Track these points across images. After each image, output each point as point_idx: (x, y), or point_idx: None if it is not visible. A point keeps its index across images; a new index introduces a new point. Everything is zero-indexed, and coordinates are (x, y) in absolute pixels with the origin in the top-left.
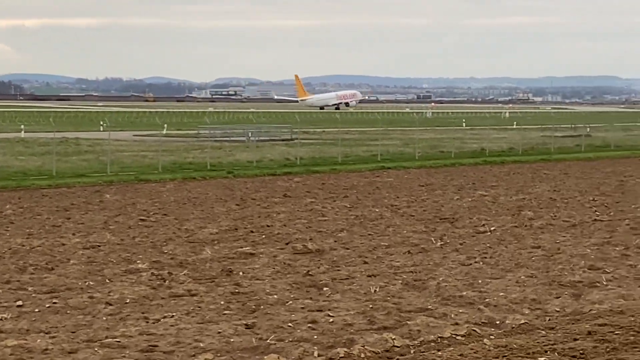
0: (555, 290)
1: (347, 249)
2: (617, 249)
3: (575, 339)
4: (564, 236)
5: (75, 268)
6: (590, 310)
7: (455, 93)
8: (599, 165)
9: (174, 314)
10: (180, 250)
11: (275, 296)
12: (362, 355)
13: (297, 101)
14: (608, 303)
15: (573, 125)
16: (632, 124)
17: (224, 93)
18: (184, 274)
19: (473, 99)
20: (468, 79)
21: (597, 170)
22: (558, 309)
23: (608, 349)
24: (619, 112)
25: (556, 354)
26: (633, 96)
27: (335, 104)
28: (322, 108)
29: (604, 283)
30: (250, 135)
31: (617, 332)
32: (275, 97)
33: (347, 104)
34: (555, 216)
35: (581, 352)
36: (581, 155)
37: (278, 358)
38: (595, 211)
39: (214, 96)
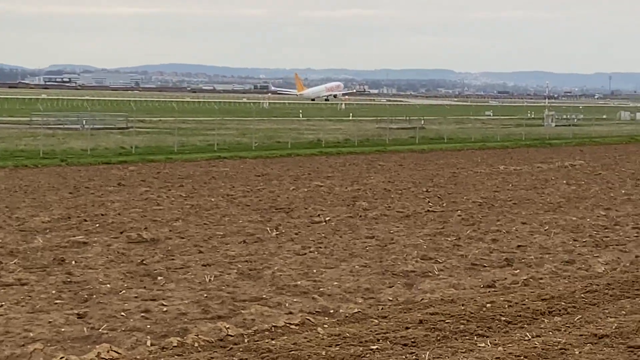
0: (388, 279)
1: (182, 238)
2: (449, 239)
3: (407, 328)
4: (398, 226)
5: None
6: (422, 299)
7: (292, 84)
8: (433, 157)
9: (2, 303)
10: (11, 239)
11: (108, 285)
12: (196, 344)
13: (295, 94)
14: (439, 292)
15: (408, 118)
16: (464, 117)
17: (58, 80)
18: (14, 263)
19: None
20: (306, 70)
21: (430, 162)
22: (391, 298)
23: (438, 337)
24: (452, 105)
25: (388, 342)
26: (466, 90)
27: (325, 96)
28: (313, 100)
29: (436, 273)
30: (84, 123)
31: (447, 321)
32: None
33: (335, 96)
34: (389, 207)
35: (412, 340)
36: (415, 147)
37: (110, 347)
38: (429, 202)
39: (47, 83)
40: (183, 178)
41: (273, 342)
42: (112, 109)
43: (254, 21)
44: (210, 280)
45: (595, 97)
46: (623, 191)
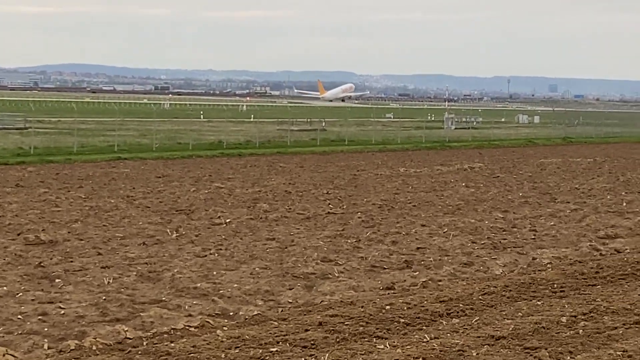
0: (288, 281)
1: (81, 240)
2: (349, 241)
3: (306, 330)
4: (298, 228)
5: None
6: (322, 301)
7: (193, 85)
8: (334, 159)
9: None
10: None
11: (4, 288)
12: (94, 348)
13: (318, 98)
14: (339, 294)
15: (309, 120)
16: (365, 119)
17: None
18: None
19: (211, 91)
20: (207, 71)
21: (331, 164)
22: (291, 300)
23: (338, 339)
24: (353, 107)
25: (288, 344)
26: (368, 92)
27: (341, 97)
28: (330, 101)
29: (336, 275)
30: None
31: (347, 323)
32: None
33: (349, 97)
34: (290, 209)
35: (312, 342)
36: (316, 149)
37: (6, 351)
38: (329, 204)
39: None
40: (82, 179)
41: (172, 344)
42: (10, 109)
43: (155, 21)
44: (109, 282)
45: (483, 99)
46: (520, 194)
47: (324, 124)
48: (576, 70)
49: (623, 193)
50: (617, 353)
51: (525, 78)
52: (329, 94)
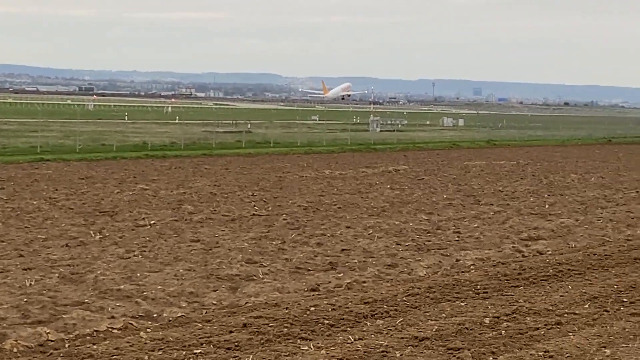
0: (212, 283)
1: (2, 241)
2: (274, 243)
3: (230, 332)
4: (223, 230)
5: None
6: (246, 303)
7: (118, 86)
8: (259, 161)
9: None
10: None
11: None
12: (15, 350)
13: (323, 97)
14: (264, 296)
15: (234, 122)
16: (291, 121)
17: None
18: None
19: (136, 93)
20: (132, 72)
21: (256, 166)
22: (215, 302)
23: (262, 341)
24: (279, 109)
25: (212, 346)
26: (292, 94)
27: (341, 95)
28: (334, 100)
29: (261, 276)
30: None
31: (271, 325)
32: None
33: (349, 95)
34: (215, 210)
35: (236, 344)
36: (242, 151)
37: None
38: (254, 206)
39: None
40: (4, 180)
41: (95, 347)
42: None
43: (80, 22)
44: (30, 284)
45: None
46: (445, 196)
47: (249, 126)
48: (500, 73)
49: (546, 195)
50: (539, 353)
51: (449, 81)
52: (331, 93)
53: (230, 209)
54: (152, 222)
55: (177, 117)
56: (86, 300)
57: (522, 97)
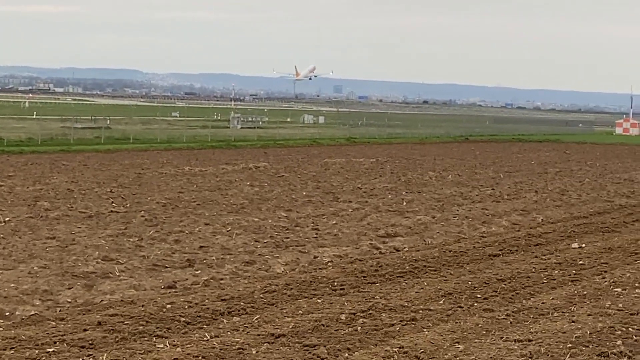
0: (68, 281)
1: None
2: (132, 240)
3: (85, 330)
4: (80, 227)
5: None
6: (102, 300)
7: None
8: (118, 158)
9: None
10: None
11: None
12: None
13: (294, 78)
14: (120, 293)
15: (93, 117)
16: (151, 117)
17: None
18: None
19: None
20: None
21: (115, 163)
22: (70, 300)
23: (117, 339)
24: (139, 105)
25: (65, 344)
26: (153, 90)
27: (308, 76)
28: (299, 79)
29: (117, 274)
30: None
31: (127, 322)
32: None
33: (315, 76)
34: (72, 207)
35: (90, 342)
36: (100, 147)
37: None
38: (112, 202)
39: None
40: None
41: None
42: None
43: None
44: None
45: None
46: (304, 193)
47: (108, 121)
48: (360, 72)
49: (404, 193)
50: (394, 349)
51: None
52: (302, 75)
53: (88, 205)
54: (7, 219)
55: (35, 113)
56: None
57: (382, 95)
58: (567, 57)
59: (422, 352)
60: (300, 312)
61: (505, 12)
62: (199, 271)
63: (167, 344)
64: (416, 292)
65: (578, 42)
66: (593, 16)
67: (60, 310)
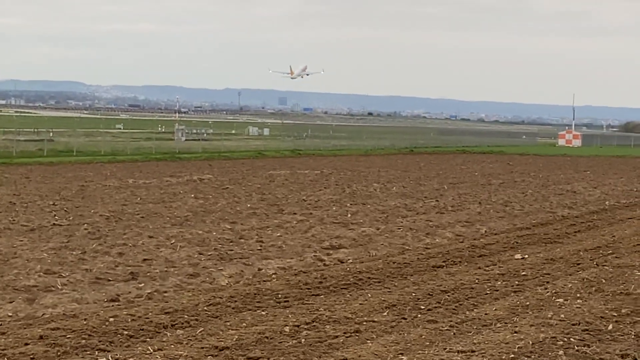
0: (9, 294)
1: None
2: (74, 253)
3: (26, 344)
4: (22, 240)
5: None
6: (44, 314)
7: None
8: (61, 170)
9: None
10: None
11: None
12: None
13: (290, 77)
14: (62, 307)
15: (36, 130)
16: (94, 130)
17: None
18: None
19: None
20: None
21: (58, 175)
22: (11, 314)
23: (59, 353)
24: (82, 118)
25: (6, 358)
26: (96, 102)
27: (300, 75)
28: (294, 78)
29: (59, 287)
30: None
31: (69, 336)
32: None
33: (307, 75)
34: (13, 220)
35: (31, 356)
36: (43, 159)
37: None
38: (55, 215)
39: None
40: None
41: None
42: None
43: None
44: None
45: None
46: (249, 205)
47: (51, 134)
48: (305, 84)
49: (348, 204)
50: None
51: (255, 91)
52: (295, 74)
53: (30, 218)
54: None
55: None
56: None
57: (327, 107)
58: (510, 69)
59: None
60: (244, 324)
61: (448, 26)
62: (143, 284)
63: (110, 358)
64: (360, 304)
65: (521, 54)
66: (535, 30)
67: (1, 325)
